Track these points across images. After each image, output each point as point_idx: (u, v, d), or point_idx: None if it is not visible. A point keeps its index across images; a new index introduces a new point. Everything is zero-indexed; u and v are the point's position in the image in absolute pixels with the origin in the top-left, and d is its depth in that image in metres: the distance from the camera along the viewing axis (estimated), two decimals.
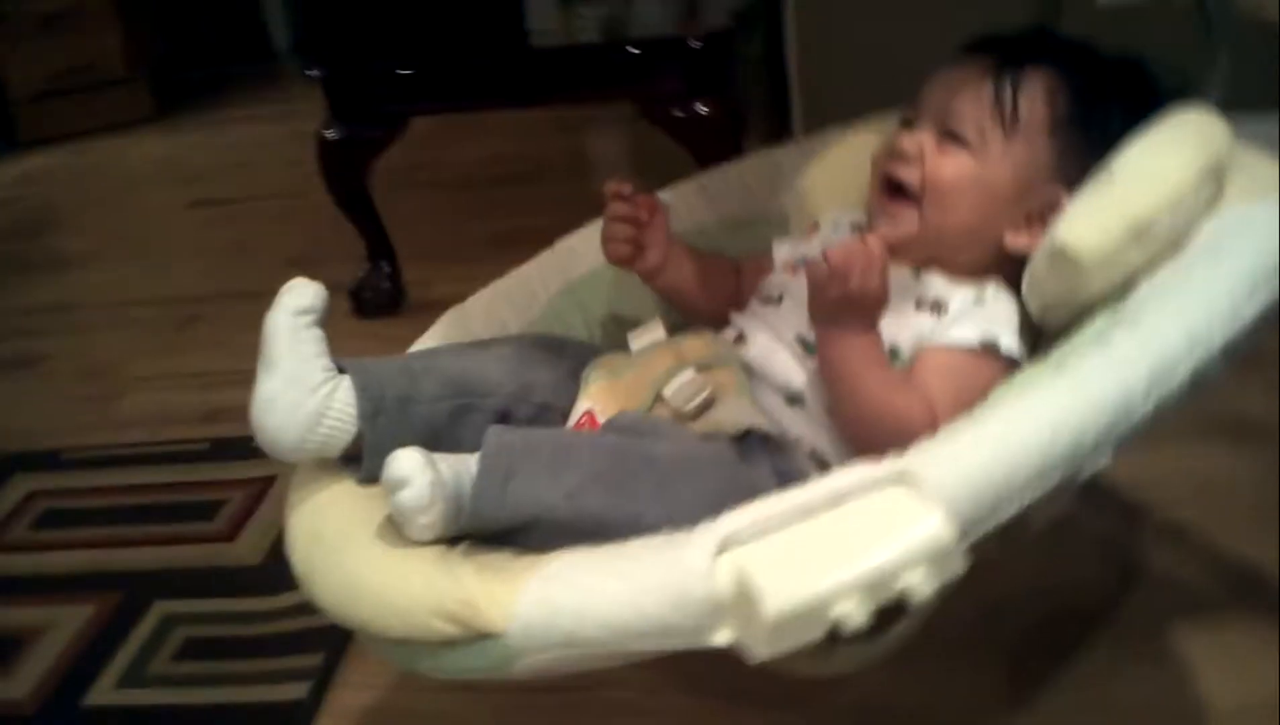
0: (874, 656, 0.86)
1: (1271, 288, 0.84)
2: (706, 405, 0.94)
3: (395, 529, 0.82)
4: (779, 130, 2.41)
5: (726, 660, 0.73)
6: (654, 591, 0.71)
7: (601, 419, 0.96)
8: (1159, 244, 0.90)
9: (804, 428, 0.97)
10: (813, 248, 1.11)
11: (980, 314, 0.99)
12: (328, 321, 0.94)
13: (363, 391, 0.91)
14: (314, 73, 2.10)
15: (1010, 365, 0.97)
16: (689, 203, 1.30)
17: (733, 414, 0.93)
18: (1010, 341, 0.97)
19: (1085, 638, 1.19)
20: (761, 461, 0.91)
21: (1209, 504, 1.36)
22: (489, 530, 0.83)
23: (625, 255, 1.10)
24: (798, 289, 0.99)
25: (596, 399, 0.98)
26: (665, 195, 1.27)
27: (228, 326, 2.29)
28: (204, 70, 4.34)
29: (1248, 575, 1.26)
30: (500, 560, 0.80)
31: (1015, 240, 1.02)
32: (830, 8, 2.19)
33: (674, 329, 1.06)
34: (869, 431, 0.91)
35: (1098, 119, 1.01)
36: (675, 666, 1.16)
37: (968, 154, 1.02)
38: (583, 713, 1.19)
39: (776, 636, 0.68)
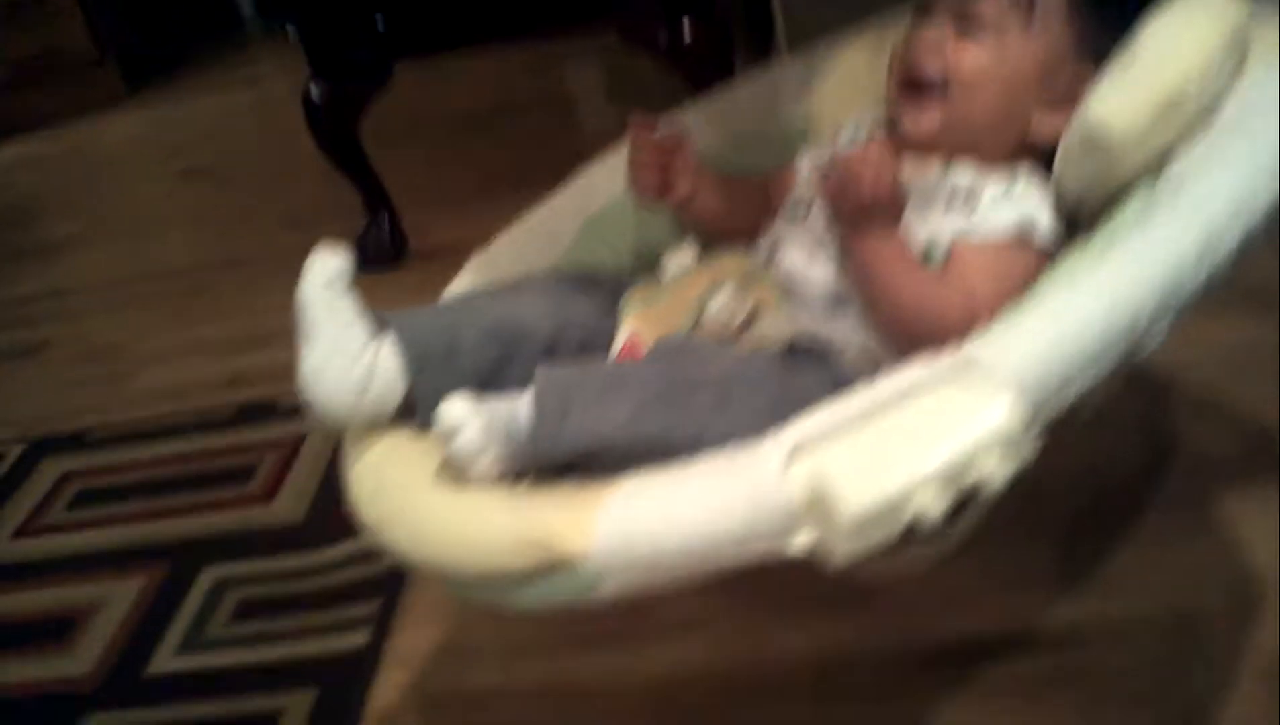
0: (941, 552, 0.87)
1: None
2: (750, 321, 0.95)
3: (458, 474, 0.83)
4: (763, 46, 2.39)
5: (778, 571, 0.74)
6: (731, 503, 0.72)
7: (644, 346, 0.96)
8: (1189, 117, 0.90)
9: (850, 331, 0.97)
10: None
11: (1013, 203, 0.98)
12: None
13: (407, 347, 0.91)
14: (290, 31, 2.07)
15: (1049, 250, 0.97)
16: (704, 125, 1.29)
17: (776, 326, 0.94)
18: (1046, 229, 0.97)
19: (1131, 515, 1.21)
20: (812, 370, 0.91)
21: (1237, 373, 1.36)
22: (551, 465, 0.83)
23: (654, 190, 1.08)
24: None
25: (637, 327, 0.98)
26: (678, 120, 1.26)
27: (233, 294, 2.29)
28: (171, 45, 4.28)
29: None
30: (569, 490, 0.80)
31: (1042, 125, 1.02)
32: None
33: (704, 250, 1.06)
34: (909, 330, 0.91)
35: None
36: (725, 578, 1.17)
37: (988, 41, 1.01)
38: (638, 632, 1.20)
39: (856, 537, 0.69)
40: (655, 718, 1.13)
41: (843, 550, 0.69)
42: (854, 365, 0.94)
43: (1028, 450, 0.71)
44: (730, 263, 1.01)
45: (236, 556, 1.48)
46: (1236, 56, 0.92)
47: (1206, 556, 1.15)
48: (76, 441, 1.84)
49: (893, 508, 0.69)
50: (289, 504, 1.56)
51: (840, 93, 1.25)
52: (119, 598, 1.44)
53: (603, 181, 1.23)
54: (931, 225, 0.98)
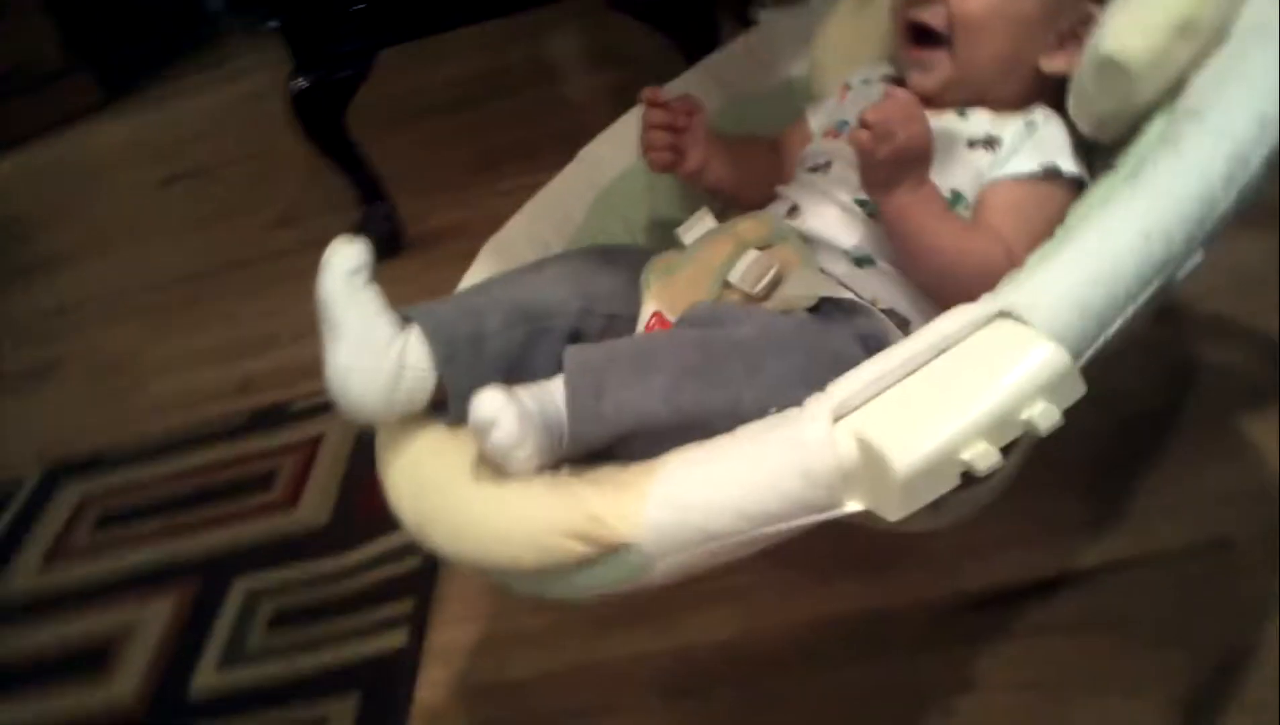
0: (985, 498, 0.87)
1: None
2: (775, 283, 0.93)
3: (497, 467, 0.81)
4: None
5: (809, 537, 0.73)
6: (779, 473, 0.71)
7: (670, 317, 0.95)
8: (1204, 37, 0.88)
9: (877, 287, 0.96)
10: (847, 110, 1.09)
11: (1034, 142, 0.97)
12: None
13: (434, 338, 0.90)
14: (271, 25, 2.04)
15: (1075, 186, 0.96)
16: (706, 89, 1.27)
17: (803, 286, 0.92)
18: (1070, 163, 0.96)
19: (1156, 441, 1.20)
20: (843, 328, 0.90)
21: (1245, 291, 1.34)
22: (591, 450, 0.82)
23: (668, 162, 1.09)
24: (843, 152, 0.97)
25: (661, 298, 0.97)
26: (677, 86, 1.24)
27: (233, 297, 2.28)
28: (144, 49, 4.23)
29: None
30: (610, 473, 0.79)
31: (1052, 62, 1.01)
32: None
33: (721, 215, 1.04)
34: (952, 282, 0.90)
35: None
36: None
37: None
38: (671, 606, 1.20)
39: (909, 494, 0.68)
40: (696, 690, 1.13)
41: (897, 509, 0.68)
42: (881, 322, 0.93)
43: (1077, 389, 0.70)
44: (752, 224, 0.99)
45: (266, 566, 1.47)
46: None
47: (1233, 482, 1.14)
48: (94, 463, 1.83)
49: (942, 462, 0.68)
50: (313, 507, 1.55)
51: (841, 45, 1.23)
52: (153, 619, 1.44)
53: (609, 154, 1.21)
54: (954, 176, 0.97)
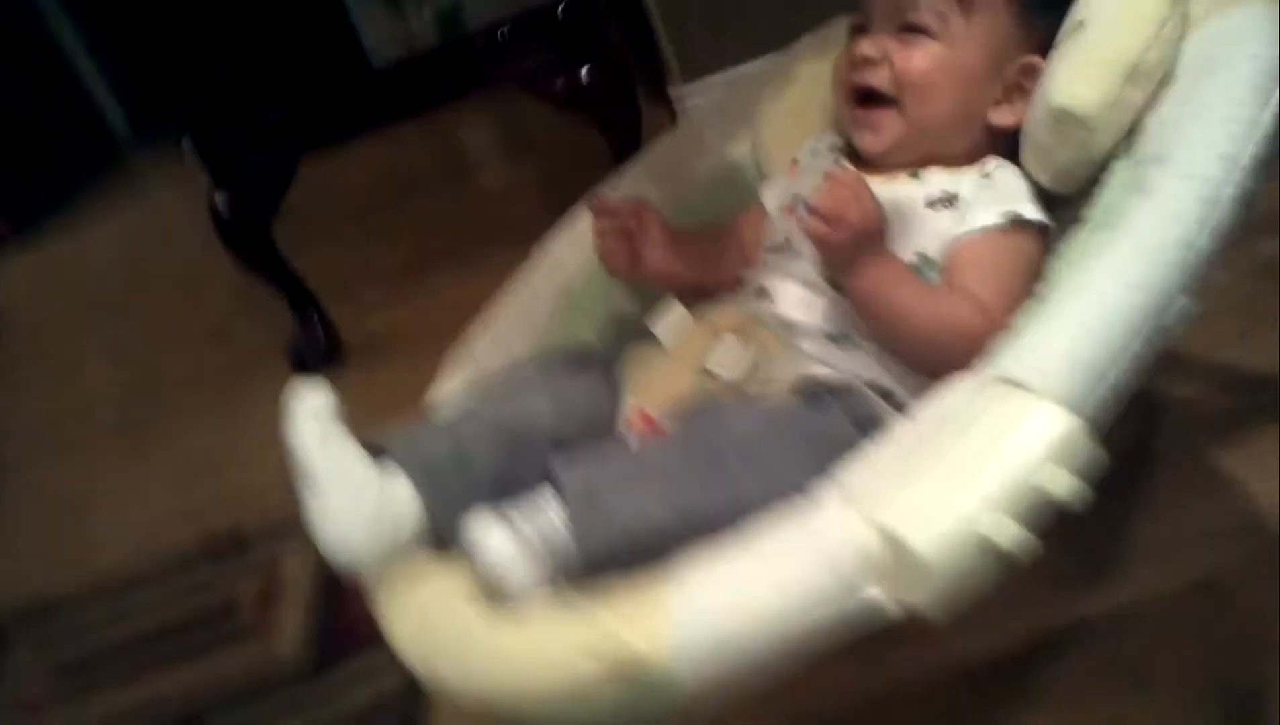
0: None
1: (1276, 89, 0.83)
2: (755, 369, 0.92)
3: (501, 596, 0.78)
4: (653, 77, 2.37)
5: None
6: (802, 564, 0.69)
7: (652, 412, 0.94)
8: (1153, 80, 0.89)
9: (859, 365, 0.95)
10: (799, 184, 1.08)
11: (992, 192, 0.97)
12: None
13: (415, 472, 0.87)
14: (185, 145, 2.00)
15: (1040, 233, 0.95)
16: (651, 183, 1.26)
17: (785, 369, 0.92)
18: (1031, 210, 0.95)
19: (1133, 482, 1.19)
20: (831, 408, 0.89)
21: (1201, 323, 1.34)
22: (597, 563, 0.78)
23: (625, 266, 1.09)
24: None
25: (642, 394, 0.95)
26: (623, 185, 1.24)
27: (173, 421, 2.21)
28: (48, 180, 4.16)
29: (1260, 383, 1.26)
30: (622, 592, 0.75)
31: (1000, 115, 1.01)
32: None
33: (687, 306, 1.03)
34: (932, 350, 0.89)
35: None
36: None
37: (932, 41, 0.99)
38: None
39: (942, 579, 0.67)
40: None
41: (933, 597, 0.67)
42: (870, 399, 0.91)
43: (1088, 451, 0.70)
44: (725, 311, 0.98)
45: (242, 703, 1.40)
46: (1182, 8, 0.91)
47: (1213, 518, 1.13)
48: (45, 613, 1.75)
49: (963, 537, 0.66)
50: (280, 634, 1.50)
51: (782, 120, 1.23)
52: None
53: (567, 253, 1.19)
54: (918, 240, 0.97)
